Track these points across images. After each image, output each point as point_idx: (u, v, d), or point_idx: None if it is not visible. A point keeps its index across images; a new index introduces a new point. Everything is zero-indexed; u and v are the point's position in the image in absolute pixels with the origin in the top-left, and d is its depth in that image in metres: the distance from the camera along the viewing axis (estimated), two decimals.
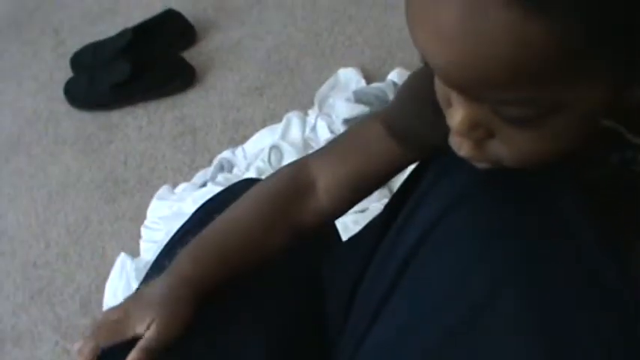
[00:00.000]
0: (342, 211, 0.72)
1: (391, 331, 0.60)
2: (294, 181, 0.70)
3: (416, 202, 0.63)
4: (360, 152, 0.68)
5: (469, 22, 0.41)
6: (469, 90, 0.46)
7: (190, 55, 1.71)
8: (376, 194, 1.21)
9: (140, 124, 1.60)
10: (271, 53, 1.68)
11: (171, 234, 0.80)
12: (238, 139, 1.49)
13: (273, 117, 1.52)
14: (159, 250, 0.80)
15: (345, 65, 1.59)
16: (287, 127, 1.44)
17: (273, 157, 1.33)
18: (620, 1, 0.40)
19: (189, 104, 1.62)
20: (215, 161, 1.39)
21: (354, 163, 0.68)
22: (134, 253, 1.30)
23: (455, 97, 0.49)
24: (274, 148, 1.34)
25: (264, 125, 1.50)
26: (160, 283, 0.66)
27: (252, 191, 0.71)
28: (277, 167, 1.30)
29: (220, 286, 0.67)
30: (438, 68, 0.46)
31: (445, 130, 0.53)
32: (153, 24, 1.73)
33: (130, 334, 0.63)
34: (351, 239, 0.78)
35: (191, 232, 0.72)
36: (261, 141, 1.42)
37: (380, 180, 0.70)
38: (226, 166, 1.37)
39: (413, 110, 0.65)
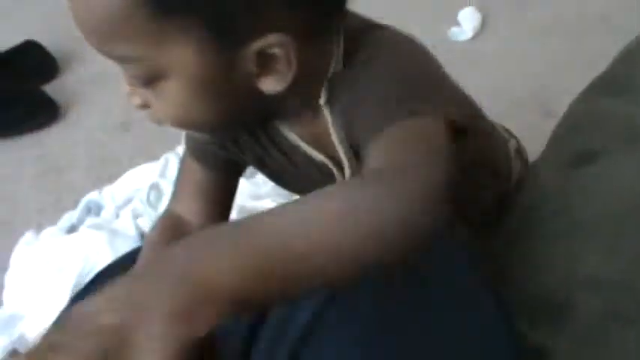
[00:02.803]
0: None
1: None
2: (174, 226, 0.78)
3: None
4: (192, 183, 0.78)
5: None
6: (92, 43, 0.52)
7: (52, 89, 1.66)
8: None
9: None
10: None
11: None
12: (105, 177, 1.45)
13: (140, 153, 1.49)
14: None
15: None
16: (165, 166, 1.42)
17: (152, 197, 1.32)
18: None
19: (52, 141, 1.57)
20: (81, 204, 1.36)
21: (195, 193, 0.78)
22: None
23: None
24: (153, 187, 1.33)
25: (131, 162, 1.47)
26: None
27: (145, 248, 0.77)
28: (156, 206, 1.29)
29: None
30: None
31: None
32: (11, 56, 1.67)
33: None
34: None
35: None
36: (130, 182, 1.40)
37: (226, 192, 0.80)
38: (93, 209, 1.34)
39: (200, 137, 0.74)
